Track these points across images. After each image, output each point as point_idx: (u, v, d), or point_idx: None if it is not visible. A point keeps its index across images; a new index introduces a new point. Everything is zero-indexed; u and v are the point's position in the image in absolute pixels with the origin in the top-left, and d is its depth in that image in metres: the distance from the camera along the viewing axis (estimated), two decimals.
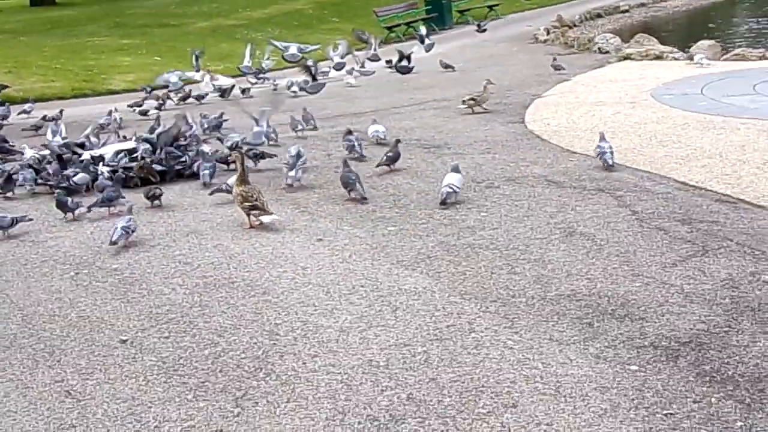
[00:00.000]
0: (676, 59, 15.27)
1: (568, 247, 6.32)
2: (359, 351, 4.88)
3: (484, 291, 5.62)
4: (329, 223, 7.37)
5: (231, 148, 9.43)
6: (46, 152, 10.12)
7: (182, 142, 10.03)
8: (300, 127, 11.35)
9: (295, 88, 15.46)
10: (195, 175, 9.26)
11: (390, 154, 9.05)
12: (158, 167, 9.12)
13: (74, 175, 8.99)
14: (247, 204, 7.18)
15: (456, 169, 7.89)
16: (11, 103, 15.90)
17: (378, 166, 9.05)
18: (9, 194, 9.11)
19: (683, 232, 6.48)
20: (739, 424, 3.89)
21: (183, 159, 9.53)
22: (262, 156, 9.50)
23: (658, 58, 15.96)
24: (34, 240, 7.51)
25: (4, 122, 13.77)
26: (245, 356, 4.93)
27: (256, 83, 16.75)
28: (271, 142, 10.34)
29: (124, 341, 5.28)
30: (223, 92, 15.82)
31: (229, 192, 7.86)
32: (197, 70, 16.62)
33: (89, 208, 8.07)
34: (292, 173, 8.56)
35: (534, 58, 16.96)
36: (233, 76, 17.16)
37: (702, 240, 6.27)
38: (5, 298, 6.16)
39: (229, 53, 20.96)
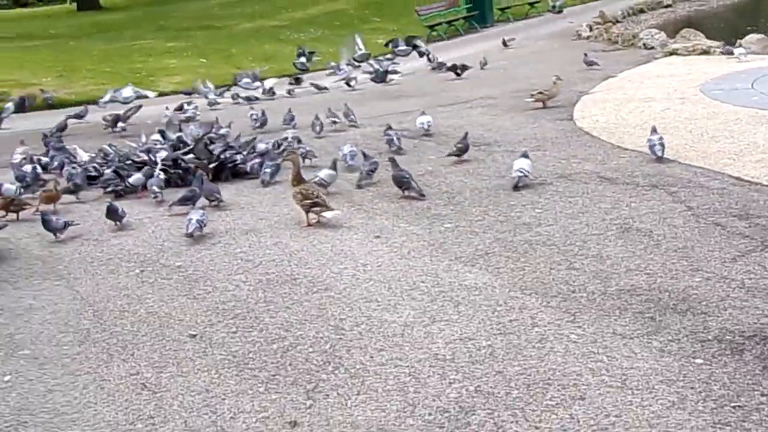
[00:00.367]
0: (723, 54, 15.15)
1: (626, 243, 6.37)
2: (424, 345, 4.98)
3: (545, 286, 5.70)
4: (385, 221, 7.49)
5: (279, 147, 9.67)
6: (103, 153, 10.35)
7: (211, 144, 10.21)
8: (335, 120, 11.90)
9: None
10: (246, 174, 9.48)
11: (460, 145, 9.45)
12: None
13: (128, 177, 9.22)
14: (307, 201, 7.32)
15: (525, 155, 8.43)
16: (63, 106, 16.32)
17: (449, 155, 9.42)
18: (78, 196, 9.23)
19: (741, 227, 6.49)
20: None
21: (237, 159, 9.71)
22: (305, 155, 9.63)
23: (705, 53, 15.87)
24: (98, 239, 7.70)
25: (81, 122, 14.13)
26: (313, 350, 5.06)
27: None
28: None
29: (194, 336, 5.43)
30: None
31: (324, 186, 8.21)
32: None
33: (171, 206, 8.28)
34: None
35: (577, 55, 16.89)
36: (280, 76, 17.41)
37: (761, 235, 6.28)
38: (75, 295, 6.36)
39: (273, 54, 21.20)
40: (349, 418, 4.28)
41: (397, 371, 4.70)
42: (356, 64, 18.42)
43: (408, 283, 5.96)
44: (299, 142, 10.32)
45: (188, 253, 7.06)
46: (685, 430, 3.89)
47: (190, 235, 7.30)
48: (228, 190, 8.91)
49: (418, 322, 5.30)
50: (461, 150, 9.38)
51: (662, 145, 8.61)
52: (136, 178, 9.12)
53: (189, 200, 8.17)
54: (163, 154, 9.72)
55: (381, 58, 18.90)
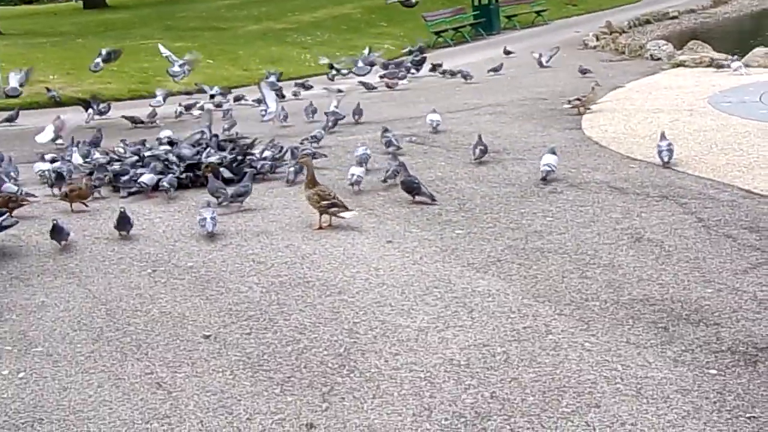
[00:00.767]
0: (719, 68, 15.20)
1: (637, 253, 6.40)
2: (439, 350, 5.01)
3: (557, 294, 5.73)
4: (397, 226, 7.52)
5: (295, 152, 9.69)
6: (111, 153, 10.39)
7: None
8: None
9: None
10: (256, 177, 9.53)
11: (482, 147, 9.66)
12: (227, 172, 9.31)
13: (140, 176, 9.23)
14: (324, 203, 7.35)
15: (552, 151, 8.85)
16: (70, 104, 16.37)
17: (476, 159, 9.62)
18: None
19: (752, 239, 6.53)
20: None
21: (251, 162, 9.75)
22: (314, 156, 9.68)
23: (712, 65, 15.90)
24: (109, 238, 7.72)
25: (102, 118, 14.52)
26: (328, 353, 5.08)
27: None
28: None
29: (208, 336, 5.46)
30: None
31: (359, 183, 8.64)
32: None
33: (219, 204, 8.32)
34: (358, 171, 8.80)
35: (585, 65, 16.95)
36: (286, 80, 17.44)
37: None
38: (88, 293, 6.38)
39: (279, 57, 21.23)
40: (366, 421, 4.30)
41: (412, 376, 4.73)
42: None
43: (421, 288, 5.99)
44: (317, 140, 10.74)
45: (200, 254, 7.09)
46: None
47: (211, 234, 7.41)
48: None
49: (432, 328, 5.33)
50: (483, 152, 9.64)
51: (670, 151, 8.77)
52: (148, 177, 9.13)
53: (242, 196, 8.35)
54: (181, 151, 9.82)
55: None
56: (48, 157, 10.41)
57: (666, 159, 8.76)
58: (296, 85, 17.15)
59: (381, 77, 17.35)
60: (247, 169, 9.13)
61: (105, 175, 9.51)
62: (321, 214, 7.47)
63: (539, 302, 5.61)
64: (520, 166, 9.44)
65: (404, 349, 5.07)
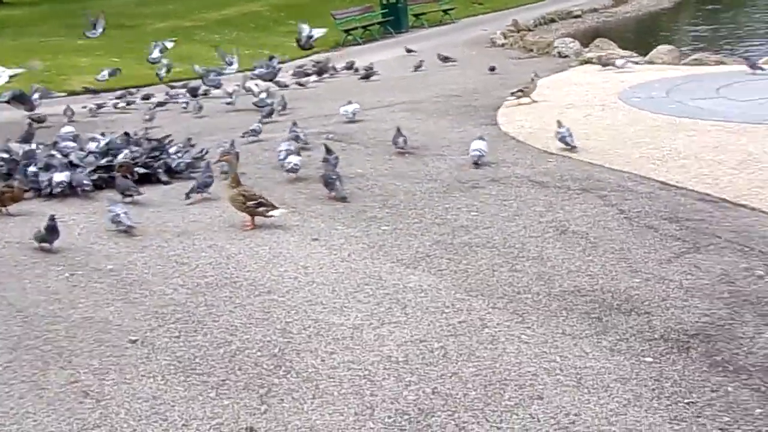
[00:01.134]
0: (636, 63, 15.59)
1: (564, 245, 6.46)
2: (376, 347, 4.94)
3: (489, 288, 5.73)
4: (322, 223, 7.41)
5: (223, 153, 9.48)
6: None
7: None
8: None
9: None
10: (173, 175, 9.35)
11: (403, 137, 9.95)
12: (142, 170, 9.06)
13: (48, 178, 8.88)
14: (252, 203, 7.18)
15: (481, 138, 9.34)
16: None
17: (399, 149, 9.87)
18: None
19: (672, 230, 6.67)
20: (758, 411, 4.04)
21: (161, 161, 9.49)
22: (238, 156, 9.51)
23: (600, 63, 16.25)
24: (20, 241, 7.39)
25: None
26: (262, 354, 4.95)
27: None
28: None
29: (134, 341, 5.25)
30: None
31: (295, 171, 8.83)
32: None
33: (188, 195, 8.31)
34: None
35: (495, 62, 17.16)
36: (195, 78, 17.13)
37: (692, 237, 6.45)
38: (1, 300, 6.07)
39: (189, 55, 20.78)
40: (307, 422, 4.20)
41: (351, 374, 4.64)
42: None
43: (352, 286, 5.91)
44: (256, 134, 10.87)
45: (119, 256, 6.84)
46: (643, 427, 3.95)
47: (132, 227, 7.31)
48: (155, 192, 8.70)
49: (367, 325, 5.25)
50: (405, 141, 9.92)
51: (571, 135, 9.40)
52: (62, 176, 8.77)
53: (207, 186, 8.32)
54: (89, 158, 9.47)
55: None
56: None
57: (572, 143, 9.32)
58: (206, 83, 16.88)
59: (293, 75, 17.23)
60: (201, 162, 9.21)
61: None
62: (252, 215, 7.28)
63: (472, 296, 5.60)
64: (441, 161, 9.46)
65: (340, 347, 4.98)
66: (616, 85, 13.47)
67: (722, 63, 14.94)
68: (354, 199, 8.11)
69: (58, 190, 8.69)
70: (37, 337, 5.41)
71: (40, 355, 5.15)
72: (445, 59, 18.65)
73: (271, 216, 7.30)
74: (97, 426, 4.32)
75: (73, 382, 4.79)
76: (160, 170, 9.27)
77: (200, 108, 14.22)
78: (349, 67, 18.92)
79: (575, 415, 4.08)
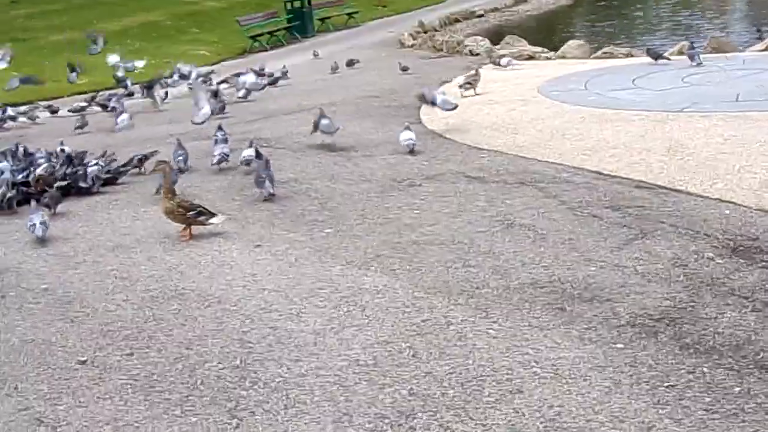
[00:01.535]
0: (548, 59, 15.85)
1: (513, 238, 6.43)
2: (342, 352, 4.78)
3: (447, 285, 5.64)
4: (261, 229, 7.21)
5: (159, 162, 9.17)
6: None
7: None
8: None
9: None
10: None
11: (325, 121, 10.13)
12: (62, 183, 8.67)
13: None
14: (191, 213, 6.90)
15: (408, 128, 9.69)
16: None
17: (328, 132, 10.17)
18: None
19: (616, 217, 6.72)
20: (737, 389, 4.06)
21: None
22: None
23: (531, 58, 16.53)
24: None
25: None
26: (223, 366, 4.74)
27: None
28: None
29: (84, 362, 4.96)
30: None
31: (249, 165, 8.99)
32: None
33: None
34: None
35: (406, 63, 17.19)
36: (99, 90, 16.58)
37: (637, 224, 6.51)
38: None
39: (92, 66, 20.13)
40: None
41: (320, 381, 4.48)
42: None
43: (305, 291, 5.73)
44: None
45: (52, 275, 6.49)
46: (629, 414, 3.91)
47: (44, 240, 7.07)
48: (81, 206, 8.34)
49: (328, 329, 5.09)
50: (326, 127, 10.11)
51: (415, 143, 9.51)
52: None
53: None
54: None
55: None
56: None
57: (413, 148, 9.50)
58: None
59: (219, 83, 16.88)
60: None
61: None
62: (190, 225, 7.00)
63: (431, 294, 5.50)
64: (371, 162, 9.36)
65: (304, 354, 4.81)
66: (533, 80, 13.64)
67: (632, 55, 15.31)
68: (291, 203, 7.93)
69: None
70: None
71: None
72: (350, 63, 18.63)
73: (210, 224, 7.05)
74: None
75: (23, 409, 4.48)
76: (82, 182, 8.88)
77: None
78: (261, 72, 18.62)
79: (559, 406, 4.01)
